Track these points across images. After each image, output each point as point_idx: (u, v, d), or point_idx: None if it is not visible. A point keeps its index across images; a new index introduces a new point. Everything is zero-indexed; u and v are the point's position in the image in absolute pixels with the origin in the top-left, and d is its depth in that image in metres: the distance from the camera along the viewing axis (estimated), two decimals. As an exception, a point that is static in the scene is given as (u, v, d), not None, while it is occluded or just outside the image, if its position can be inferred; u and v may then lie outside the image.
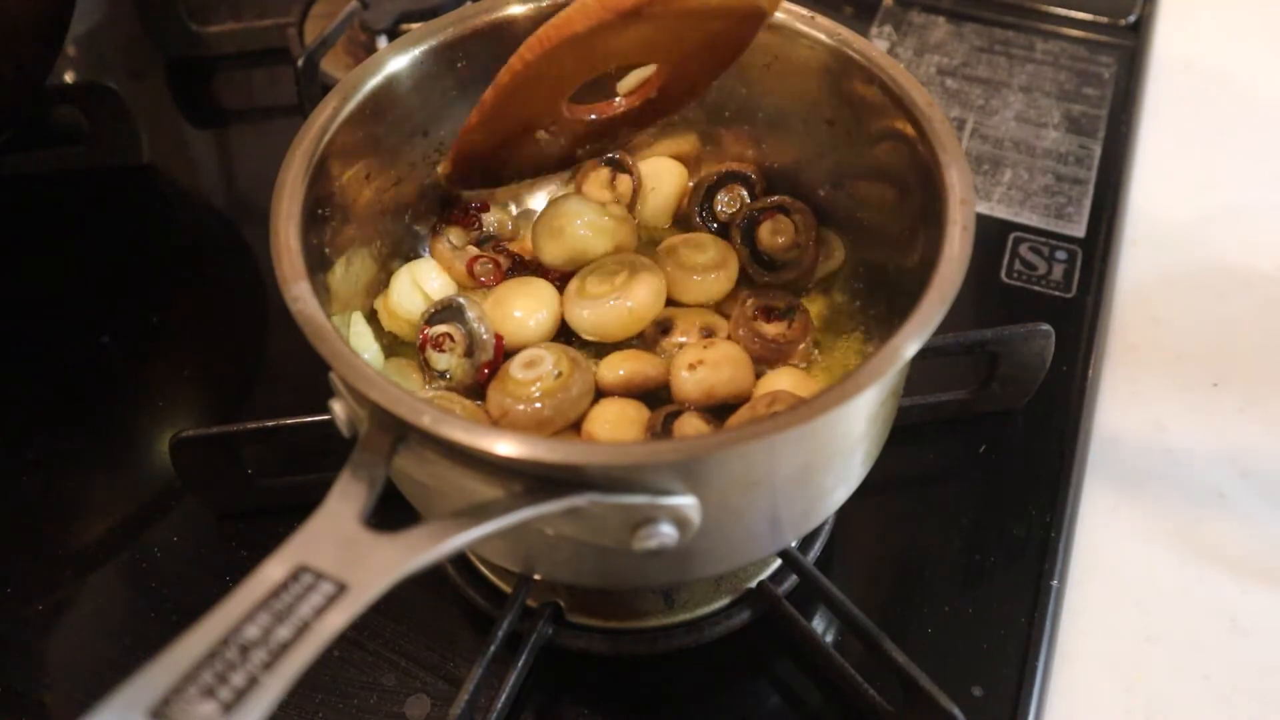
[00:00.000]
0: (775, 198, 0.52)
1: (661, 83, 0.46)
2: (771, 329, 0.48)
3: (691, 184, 0.55)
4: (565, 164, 0.51)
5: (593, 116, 0.48)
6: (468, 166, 0.49)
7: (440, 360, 0.47)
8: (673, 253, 0.51)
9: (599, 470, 0.34)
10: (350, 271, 0.47)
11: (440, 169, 0.50)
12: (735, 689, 0.49)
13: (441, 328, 0.47)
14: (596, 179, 0.54)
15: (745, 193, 0.53)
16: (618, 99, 0.48)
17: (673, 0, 0.39)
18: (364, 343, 0.48)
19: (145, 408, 0.62)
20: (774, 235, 0.51)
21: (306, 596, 0.29)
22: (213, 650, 0.27)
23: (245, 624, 0.28)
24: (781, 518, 0.42)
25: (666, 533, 0.35)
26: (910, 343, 0.36)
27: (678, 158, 0.55)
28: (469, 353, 0.47)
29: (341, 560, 0.30)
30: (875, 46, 0.46)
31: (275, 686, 0.26)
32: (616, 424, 0.45)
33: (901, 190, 0.46)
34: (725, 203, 0.53)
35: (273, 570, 0.29)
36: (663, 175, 0.55)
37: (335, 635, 0.28)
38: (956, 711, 0.43)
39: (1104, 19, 0.82)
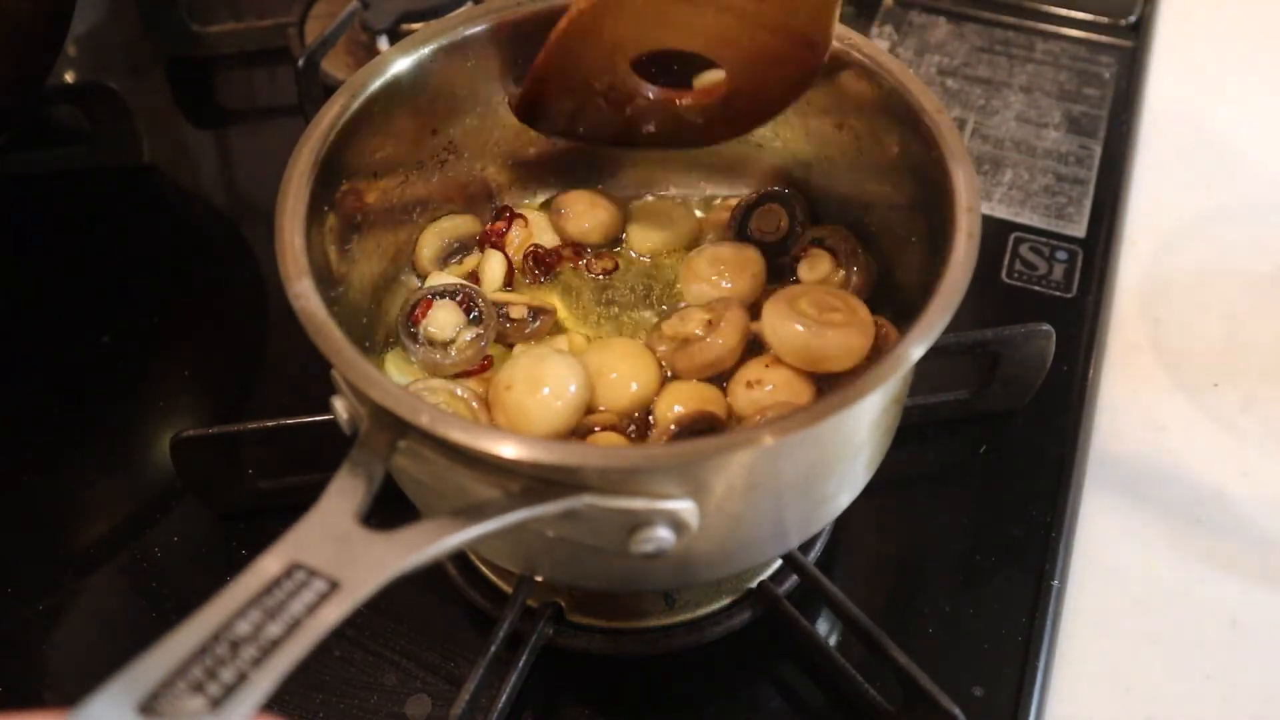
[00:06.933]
0: (810, 232, 0.51)
1: (729, 91, 0.47)
2: None
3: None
4: (627, 140, 0.51)
5: (650, 94, 0.48)
6: (536, 108, 0.50)
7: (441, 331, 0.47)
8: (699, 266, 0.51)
9: (596, 472, 0.34)
10: (355, 270, 0.47)
11: (510, 103, 0.50)
12: (736, 689, 0.49)
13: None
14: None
15: (785, 212, 0.52)
16: (683, 98, 0.48)
17: None
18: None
19: (145, 408, 0.62)
20: (811, 272, 0.50)
21: (299, 593, 0.29)
22: (203, 645, 0.27)
23: (237, 620, 0.28)
24: (783, 523, 0.42)
25: (663, 536, 0.35)
26: (914, 349, 0.36)
27: (695, 173, 0.56)
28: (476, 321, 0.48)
29: (335, 558, 0.30)
30: (883, 51, 0.46)
31: (264, 683, 0.26)
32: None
33: (907, 195, 0.46)
34: (762, 223, 0.52)
35: (266, 566, 0.29)
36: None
37: (327, 633, 0.28)
38: (958, 712, 0.43)
39: (1104, 19, 0.82)
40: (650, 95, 0.48)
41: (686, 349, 0.46)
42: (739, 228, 0.52)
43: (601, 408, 0.45)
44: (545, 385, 0.43)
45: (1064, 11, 0.83)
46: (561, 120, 0.50)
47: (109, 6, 0.89)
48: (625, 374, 0.46)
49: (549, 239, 0.54)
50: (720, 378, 0.46)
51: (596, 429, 0.45)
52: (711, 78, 0.48)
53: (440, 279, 0.51)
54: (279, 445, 0.54)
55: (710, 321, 0.46)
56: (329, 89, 0.46)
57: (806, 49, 0.44)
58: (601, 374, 0.46)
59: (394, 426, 0.35)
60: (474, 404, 0.45)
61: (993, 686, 0.48)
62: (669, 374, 0.47)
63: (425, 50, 0.48)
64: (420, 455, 0.35)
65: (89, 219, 0.72)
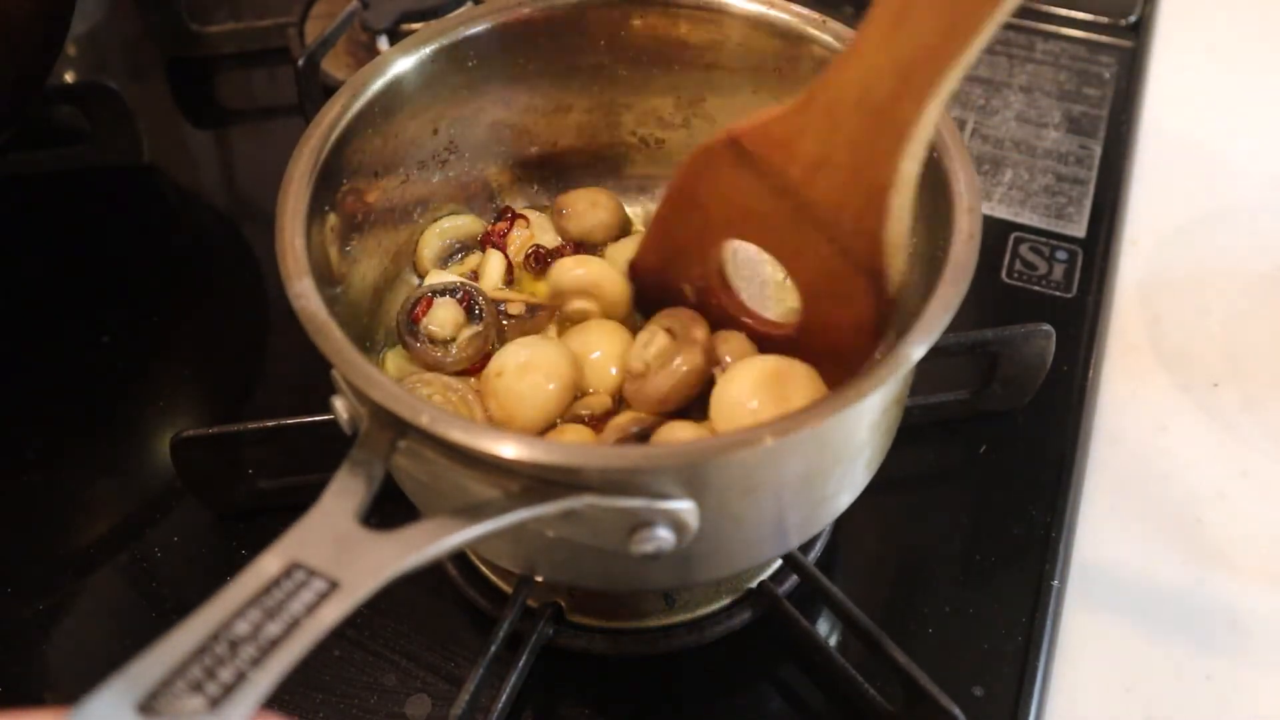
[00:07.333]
0: None
1: (802, 325, 0.45)
2: None
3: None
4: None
5: (732, 301, 0.47)
6: (642, 284, 0.49)
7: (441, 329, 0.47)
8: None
9: (596, 473, 0.34)
10: (356, 269, 0.47)
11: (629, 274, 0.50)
12: (736, 689, 0.49)
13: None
14: None
15: None
16: (756, 321, 0.47)
17: (771, 157, 0.41)
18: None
19: (145, 408, 0.62)
20: None
21: (298, 593, 0.29)
22: (203, 645, 0.27)
23: (236, 619, 0.28)
24: (783, 523, 0.42)
25: (664, 536, 0.35)
26: (914, 349, 0.36)
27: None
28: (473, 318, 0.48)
29: (335, 558, 0.30)
30: None
31: (263, 683, 0.26)
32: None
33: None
34: None
35: (265, 566, 0.29)
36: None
37: (326, 632, 0.28)
38: (957, 711, 0.43)
39: (1104, 19, 0.82)
40: (731, 302, 0.47)
41: (638, 383, 0.45)
42: None
43: (591, 390, 0.46)
44: (535, 370, 0.44)
45: (1064, 11, 0.83)
46: (654, 304, 0.49)
47: (109, 6, 0.89)
48: (607, 353, 0.47)
49: (550, 239, 0.54)
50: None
51: (586, 414, 0.45)
52: (790, 307, 0.47)
53: (440, 277, 0.51)
54: (279, 445, 0.54)
55: (666, 353, 0.45)
56: (329, 89, 0.46)
57: (866, 278, 0.41)
58: (585, 355, 0.46)
59: (394, 426, 0.35)
60: (469, 396, 0.46)
61: (993, 686, 0.48)
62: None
63: (425, 50, 0.48)
64: (420, 455, 0.35)
65: (89, 219, 0.72)
